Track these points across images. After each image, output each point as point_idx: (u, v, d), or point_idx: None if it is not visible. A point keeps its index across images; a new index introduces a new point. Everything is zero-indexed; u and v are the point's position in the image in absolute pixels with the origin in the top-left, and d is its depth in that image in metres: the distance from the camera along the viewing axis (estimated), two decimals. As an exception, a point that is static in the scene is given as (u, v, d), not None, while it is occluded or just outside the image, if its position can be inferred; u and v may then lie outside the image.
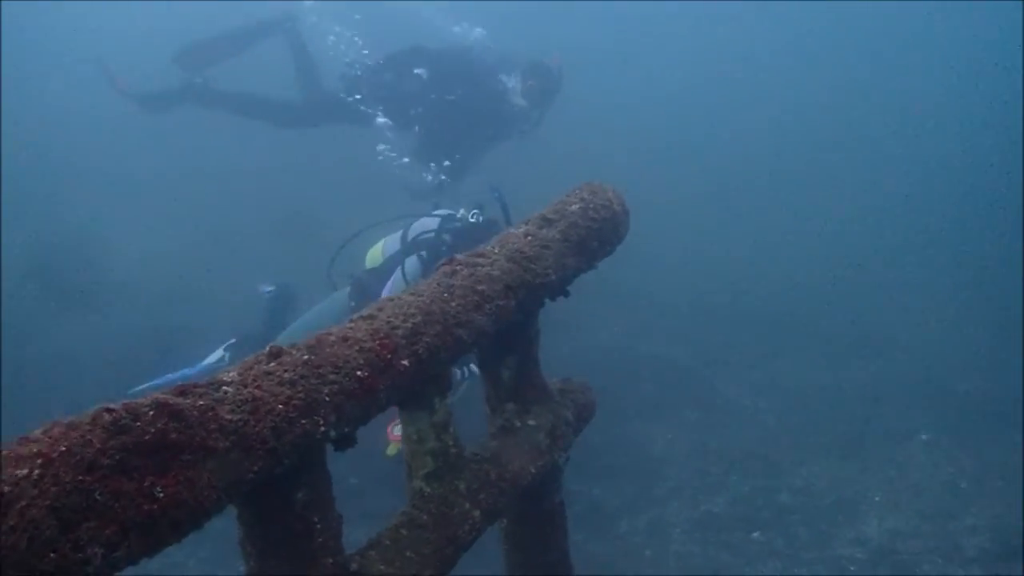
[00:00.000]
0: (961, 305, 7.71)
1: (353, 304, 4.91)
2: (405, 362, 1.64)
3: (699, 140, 13.10)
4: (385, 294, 4.68)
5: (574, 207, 2.33)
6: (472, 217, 4.78)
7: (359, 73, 6.66)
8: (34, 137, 10.16)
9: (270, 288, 5.50)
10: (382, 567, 1.63)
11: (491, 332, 1.94)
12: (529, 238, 2.16)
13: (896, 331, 7.35)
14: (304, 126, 7.17)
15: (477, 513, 1.90)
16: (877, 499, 4.97)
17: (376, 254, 5.17)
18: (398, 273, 4.74)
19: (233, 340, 5.25)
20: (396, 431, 4.40)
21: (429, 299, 1.80)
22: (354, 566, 1.59)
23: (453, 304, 1.84)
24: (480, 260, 2.00)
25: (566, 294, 2.25)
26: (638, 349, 7.13)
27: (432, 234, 4.83)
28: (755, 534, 4.67)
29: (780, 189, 11.28)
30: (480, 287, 1.92)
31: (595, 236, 2.33)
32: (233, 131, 8.72)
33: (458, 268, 1.96)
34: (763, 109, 13.36)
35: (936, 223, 9.65)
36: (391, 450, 4.38)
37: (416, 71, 6.56)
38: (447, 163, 6.29)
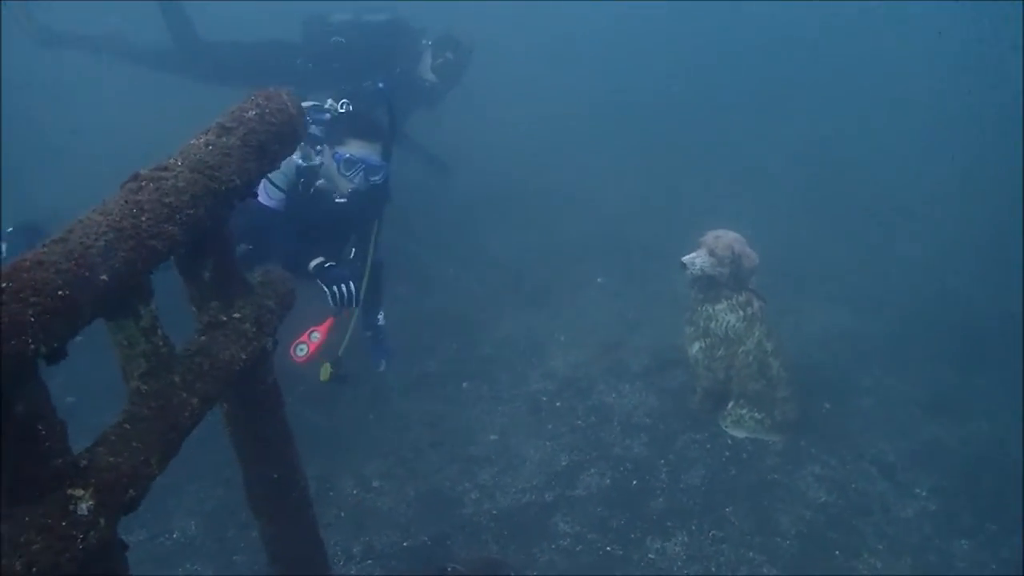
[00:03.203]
0: (628, 166, 8.78)
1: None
2: (104, 277, 1.80)
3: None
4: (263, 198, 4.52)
5: (251, 113, 2.50)
6: (341, 107, 4.65)
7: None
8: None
9: (10, 228, 5.08)
10: (111, 459, 1.84)
11: (185, 240, 2.12)
12: (210, 147, 2.32)
13: (576, 193, 8.23)
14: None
15: (195, 401, 2.13)
16: (562, 339, 5.80)
17: None
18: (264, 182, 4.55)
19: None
20: (299, 351, 4.36)
21: (119, 216, 1.94)
22: (84, 463, 1.78)
23: (144, 219, 1.99)
24: (164, 174, 2.14)
25: (254, 195, 2.46)
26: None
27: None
28: (464, 384, 5.29)
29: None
30: (168, 199, 2.08)
31: (274, 139, 2.52)
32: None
33: (143, 184, 2.09)
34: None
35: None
36: (323, 374, 4.46)
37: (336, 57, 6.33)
38: None
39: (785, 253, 6.21)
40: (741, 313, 4.72)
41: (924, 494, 4.43)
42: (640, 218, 7.64)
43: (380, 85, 5.02)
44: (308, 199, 4.55)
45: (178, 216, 2.07)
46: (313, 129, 4.65)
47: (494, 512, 4.28)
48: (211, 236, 2.34)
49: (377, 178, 4.60)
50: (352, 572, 3.88)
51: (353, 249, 4.85)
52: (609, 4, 13.11)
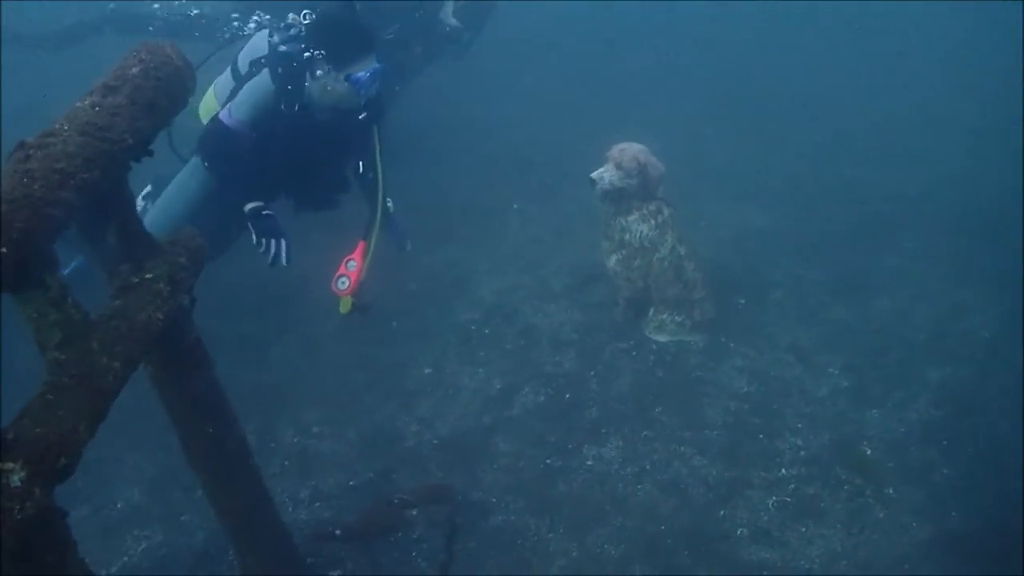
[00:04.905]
0: (540, 91, 8.77)
1: (207, 164, 4.40)
2: (4, 250, 1.77)
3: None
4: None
5: (135, 70, 2.44)
6: (304, 17, 4.40)
7: None
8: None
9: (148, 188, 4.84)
10: (38, 430, 1.84)
11: (82, 206, 2.09)
12: (97, 108, 2.27)
13: (487, 122, 8.19)
14: None
15: (117, 364, 2.12)
16: (485, 267, 5.88)
17: (211, 102, 4.65)
18: (247, 101, 4.31)
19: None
20: (340, 284, 4.26)
21: (11, 187, 1.90)
22: (10, 436, 1.79)
23: (36, 187, 1.96)
24: (51, 140, 2.09)
25: (150, 154, 2.41)
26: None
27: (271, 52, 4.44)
28: (393, 323, 5.33)
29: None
30: (59, 165, 2.04)
31: (163, 94, 2.48)
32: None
33: (31, 152, 2.04)
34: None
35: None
36: (343, 307, 4.30)
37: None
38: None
39: (691, 158, 6.37)
40: (652, 222, 4.86)
41: (836, 372, 4.72)
42: (551, 141, 7.67)
43: None
44: (292, 119, 4.28)
45: (72, 181, 2.04)
46: (284, 47, 4.38)
47: (435, 441, 4.39)
48: (111, 199, 2.31)
49: (378, 84, 4.39)
50: (302, 516, 3.95)
51: (360, 163, 4.70)
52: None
